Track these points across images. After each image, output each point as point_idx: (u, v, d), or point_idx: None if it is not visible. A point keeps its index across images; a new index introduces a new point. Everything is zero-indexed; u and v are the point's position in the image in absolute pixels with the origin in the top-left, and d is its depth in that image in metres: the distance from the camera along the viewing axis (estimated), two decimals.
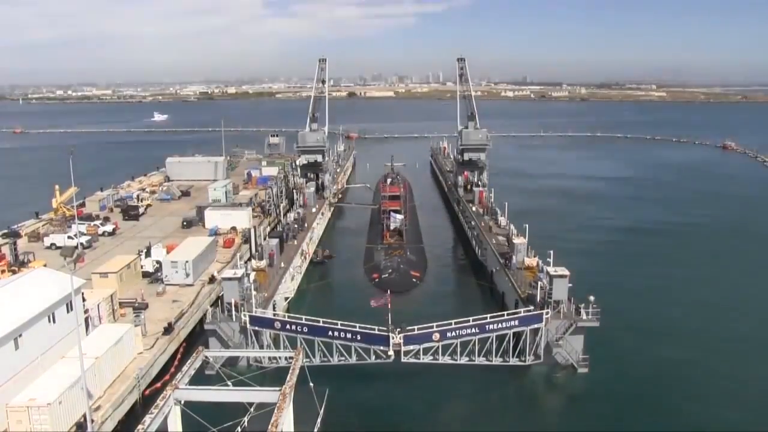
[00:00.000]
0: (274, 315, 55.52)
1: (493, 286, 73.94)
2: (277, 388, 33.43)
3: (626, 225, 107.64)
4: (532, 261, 66.79)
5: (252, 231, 75.69)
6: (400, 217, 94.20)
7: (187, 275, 65.29)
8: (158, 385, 46.93)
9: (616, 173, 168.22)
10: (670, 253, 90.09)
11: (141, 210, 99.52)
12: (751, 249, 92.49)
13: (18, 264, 69.38)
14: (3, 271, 65.44)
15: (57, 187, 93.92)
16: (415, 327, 50.84)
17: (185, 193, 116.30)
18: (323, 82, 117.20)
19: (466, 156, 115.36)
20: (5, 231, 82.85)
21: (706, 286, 75.72)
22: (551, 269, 55.05)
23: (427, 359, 51.54)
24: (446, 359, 51.74)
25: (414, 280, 77.28)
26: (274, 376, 47.35)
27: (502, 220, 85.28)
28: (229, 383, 37.52)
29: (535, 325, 52.62)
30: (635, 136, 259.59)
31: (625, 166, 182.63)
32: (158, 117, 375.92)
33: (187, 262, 65.69)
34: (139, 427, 30.18)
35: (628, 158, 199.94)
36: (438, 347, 51.31)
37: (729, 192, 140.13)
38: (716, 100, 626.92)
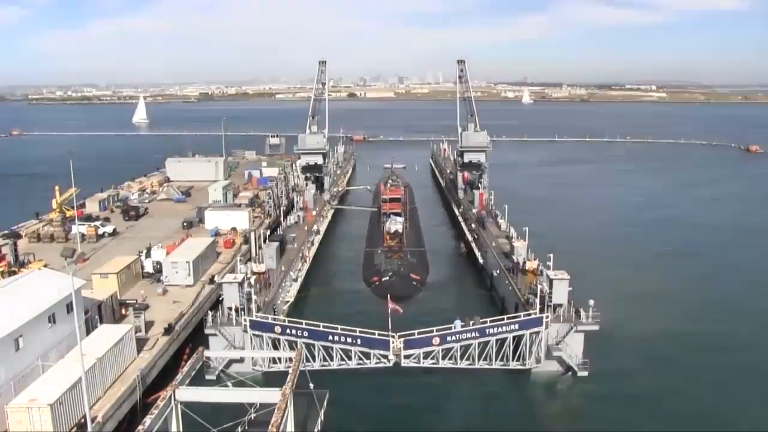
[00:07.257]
0: (274, 319, 55.36)
1: (494, 289, 73.91)
2: (278, 389, 33.46)
3: (627, 227, 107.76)
4: (532, 264, 66.71)
5: (252, 234, 75.59)
6: (400, 219, 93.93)
7: (188, 276, 65.31)
8: (161, 392, 46.84)
9: (617, 175, 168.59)
10: (670, 254, 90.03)
11: (141, 210, 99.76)
12: (752, 249, 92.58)
13: (18, 265, 69.37)
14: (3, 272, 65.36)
15: (57, 187, 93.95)
16: (415, 331, 50.82)
17: (185, 194, 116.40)
18: (323, 84, 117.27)
19: (466, 158, 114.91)
20: (6, 232, 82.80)
21: (707, 287, 75.66)
22: (551, 273, 54.95)
23: (427, 363, 51.42)
24: (447, 363, 51.64)
25: (414, 283, 77.06)
26: (274, 379, 47.39)
27: (502, 223, 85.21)
28: (229, 384, 37.60)
29: (535, 329, 52.53)
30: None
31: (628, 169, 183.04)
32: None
33: (187, 262, 65.79)
34: (140, 427, 30.15)
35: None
36: (438, 351, 51.26)
37: (736, 192, 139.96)
38: (716, 101, 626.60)
